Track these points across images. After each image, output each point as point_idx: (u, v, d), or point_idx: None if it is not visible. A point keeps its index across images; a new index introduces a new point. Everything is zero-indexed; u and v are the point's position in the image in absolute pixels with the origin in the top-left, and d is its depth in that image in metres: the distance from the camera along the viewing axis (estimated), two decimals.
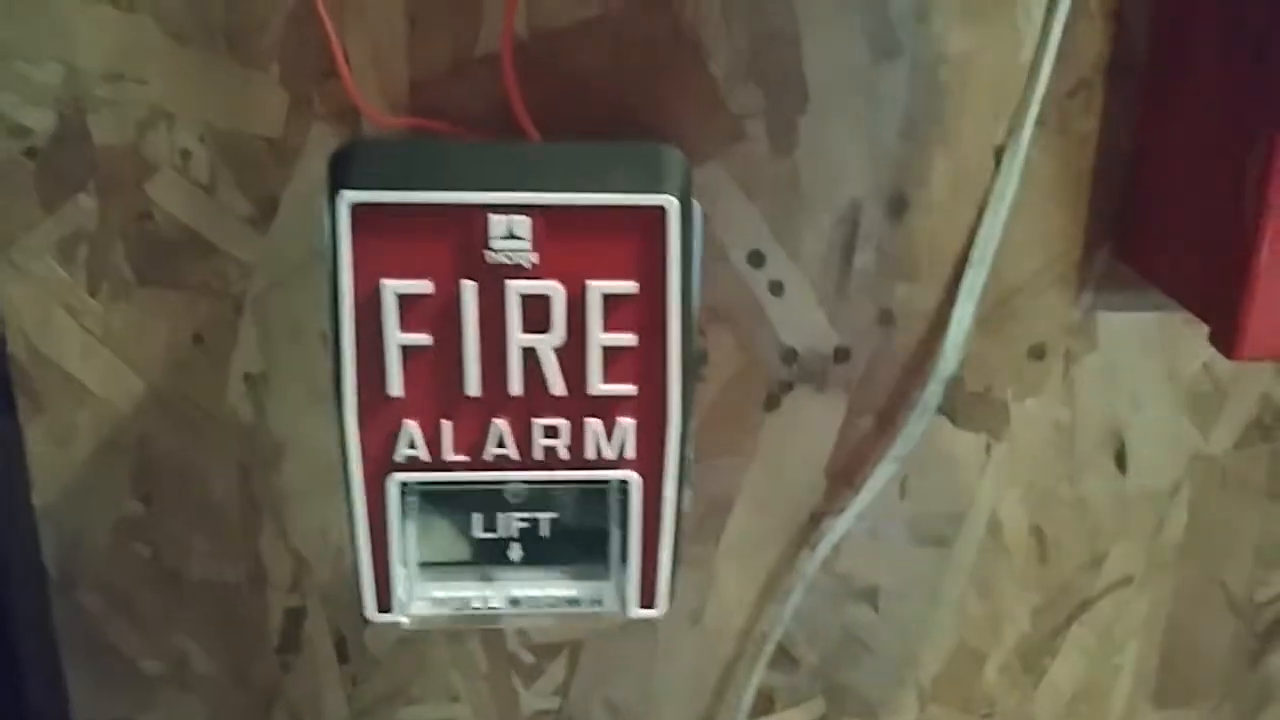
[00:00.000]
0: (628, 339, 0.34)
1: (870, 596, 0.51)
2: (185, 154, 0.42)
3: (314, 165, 0.42)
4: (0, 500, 0.46)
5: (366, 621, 0.49)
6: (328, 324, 0.33)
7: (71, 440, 0.46)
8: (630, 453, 0.35)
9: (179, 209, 0.43)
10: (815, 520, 0.49)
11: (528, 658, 0.51)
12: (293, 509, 0.47)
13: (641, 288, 0.33)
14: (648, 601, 0.36)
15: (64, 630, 0.49)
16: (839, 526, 0.48)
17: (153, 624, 0.49)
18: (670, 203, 0.33)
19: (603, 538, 0.36)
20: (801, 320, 0.46)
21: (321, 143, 0.42)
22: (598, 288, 0.33)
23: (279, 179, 0.42)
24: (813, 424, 0.48)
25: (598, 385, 0.34)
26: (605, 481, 0.35)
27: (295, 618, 0.50)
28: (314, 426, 0.46)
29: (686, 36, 0.42)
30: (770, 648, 0.50)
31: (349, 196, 0.32)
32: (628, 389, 0.34)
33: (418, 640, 0.50)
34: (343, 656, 0.50)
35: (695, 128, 0.43)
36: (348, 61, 0.41)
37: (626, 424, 0.34)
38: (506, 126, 0.41)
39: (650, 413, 0.34)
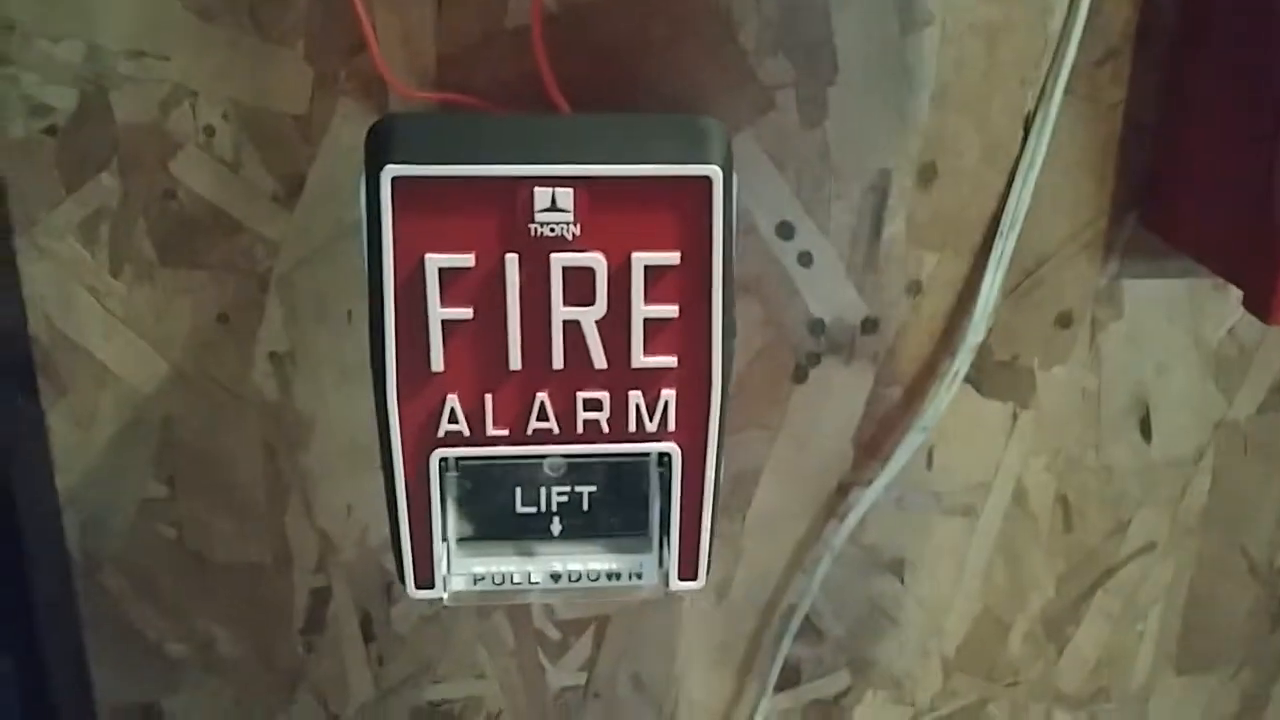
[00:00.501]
0: (670, 310, 0.34)
1: (896, 568, 0.51)
2: (209, 131, 0.41)
3: (340, 141, 0.42)
4: (23, 483, 0.45)
5: (392, 601, 0.49)
6: (368, 300, 0.33)
7: (94, 422, 0.45)
8: (672, 425, 0.34)
9: (203, 187, 0.42)
10: (842, 492, 0.49)
11: (554, 634, 0.51)
12: (318, 488, 0.47)
13: (684, 259, 0.33)
14: (689, 573, 0.36)
15: (88, 614, 0.48)
16: (866, 498, 0.48)
17: (177, 606, 0.49)
18: (715, 173, 0.33)
19: (643, 510, 0.36)
20: (830, 291, 0.46)
21: (348, 119, 0.41)
22: (641, 259, 0.33)
23: (305, 156, 0.42)
24: (840, 395, 0.48)
25: (640, 357, 0.34)
26: (646, 454, 0.35)
27: (320, 598, 0.49)
28: (340, 405, 0.45)
29: (716, 8, 0.41)
30: (798, 621, 0.50)
31: (391, 170, 0.31)
32: (669, 361, 0.34)
33: (443, 618, 0.50)
34: (368, 636, 0.50)
35: (724, 99, 0.43)
36: (375, 35, 0.40)
37: (668, 396, 0.34)
38: (536, 99, 0.40)
39: (692, 384, 0.34)
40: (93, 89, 0.41)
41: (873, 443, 0.48)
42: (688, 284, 0.33)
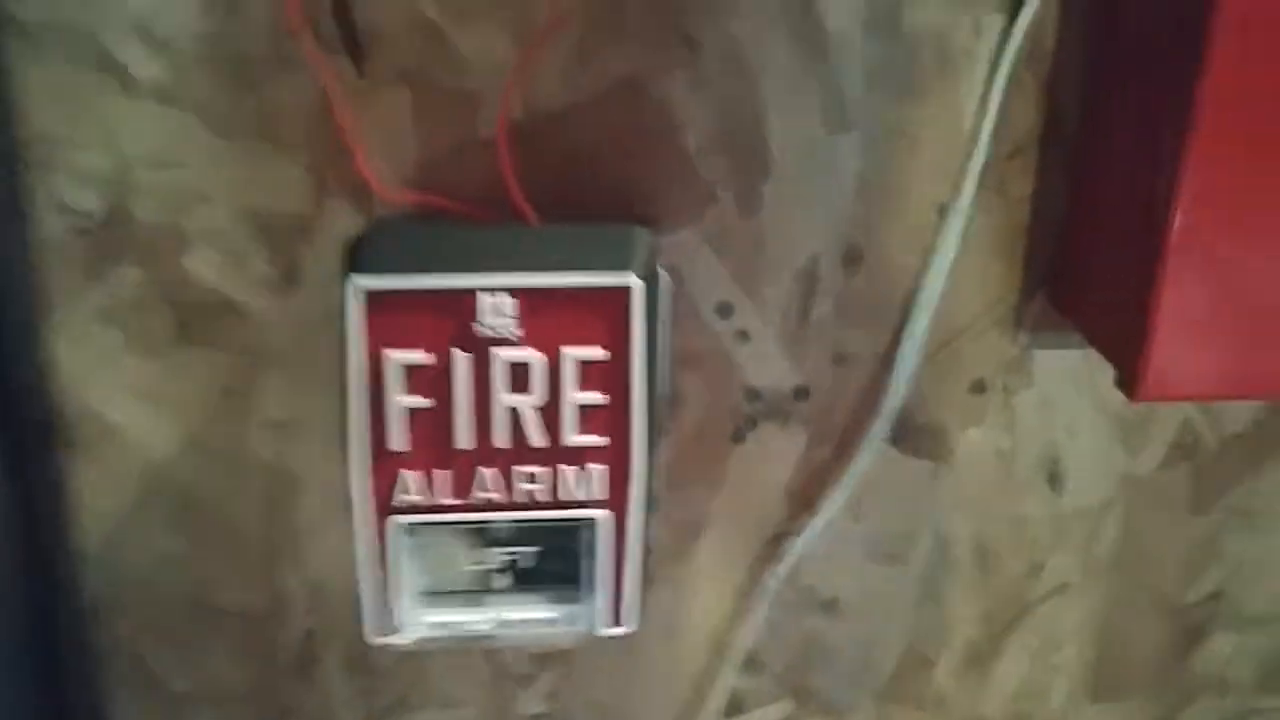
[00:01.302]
0: (598, 397, 0.39)
1: (830, 608, 0.56)
2: (219, 230, 0.48)
3: (334, 237, 0.47)
4: (49, 538, 0.51)
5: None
6: (341, 388, 0.39)
7: (112, 484, 0.51)
8: (600, 494, 0.40)
9: (212, 277, 0.48)
10: (779, 540, 0.55)
11: (522, 667, 0.56)
12: (309, 542, 0.53)
13: (610, 354, 0.39)
14: (616, 621, 0.42)
15: (105, 653, 0.54)
16: (800, 546, 0.54)
17: (184, 646, 0.54)
18: (635, 282, 0.38)
19: (577, 566, 0.42)
20: (765, 363, 0.52)
21: (341, 218, 0.47)
22: (572, 355, 0.39)
23: (302, 251, 0.48)
24: (776, 455, 0.53)
25: (572, 437, 0.40)
26: (579, 519, 0.41)
27: (311, 638, 0.55)
28: (329, 468, 0.51)
29: (662, 116, 0.47)
30: (739, 655, 0.56)
31: (359, 281, 0.37)
32: (598, 440, 0.40)
33: (421, 654, 0.56)
34: (354, 670, 0.56)
35: (671, 194, 0.48)
36: (361, 147, 0.46)
37: (596, 470, 0.40)
38: (505, 200, 0.46)
39: (617, 460, 0.40)
40: (116, 193, 0.47)
41: (805, 496, 0.54)
42: (613, 376, 0.39)
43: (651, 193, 0.49)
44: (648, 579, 0.43)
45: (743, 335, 0.51)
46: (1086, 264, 0.49)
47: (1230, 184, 0.42)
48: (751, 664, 0.57)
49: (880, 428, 0.53)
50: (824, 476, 0.54)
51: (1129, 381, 0.44)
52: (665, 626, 0.56)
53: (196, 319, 0.49)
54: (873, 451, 0.53)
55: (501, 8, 0.45)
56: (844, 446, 0.53)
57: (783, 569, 0.55)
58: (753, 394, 0.52)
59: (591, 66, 0.46)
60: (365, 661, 0.56)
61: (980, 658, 0.58)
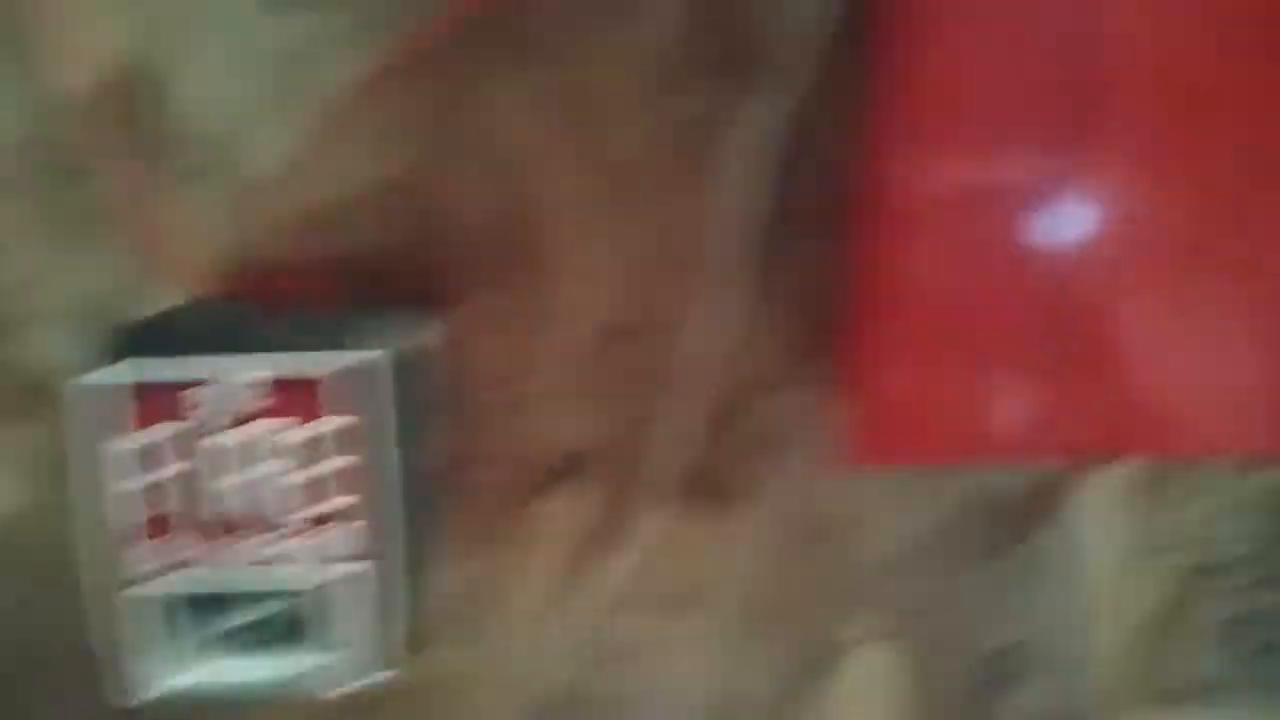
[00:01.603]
0: (355, 460, 0.44)
1: (631, 658, 0.60)
2: (55, 313, 0.53)
3: None
4: None
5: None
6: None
7: None
8: (361, 550, 0.45)
9: (50, 355, 0.54)
10: (577, 591, 0.59)
11: (334, 714, 0.60)
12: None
13: (363, 423, 0.44)
14: (377, 670, 0.46)
15: None
16: (599, 595, 0.58)
17: (40, 687, 0.59)
18: (381, 359, 0.43)
19: (344, 620, 0.46)
20: (559, 425, 0.56)
21: (160, 301, 0.52)
22: (328, 423, 0.43)
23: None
24: (572, 513, 0.57)
25: (331, 499, 0.44)
26: (337, 576, 0.45)
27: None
28: None
29: (439, 201, 0.52)
30: (541, 700, 0.60)
31: (117, 367, 0.43)
32: (356, 500, 0.44)
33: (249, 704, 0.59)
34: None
35: (455, 273, 0.53)
36: (175, 235, 0.51)
37: (356, 528, 0.44)
38: (297, 287, 0.51)
39: (376, 517, 0.45)
40: None
41: (603, 551, 0.58)
42: (368, 442, 0.44)
43: (437, 275, 0.54)
44: (428, 631, 0.48)
45: (535, 399, 0.56)
46: (847, 329, 0.54)
47: (920, 260, 0.46)
48: (567, 707, 0.61)
49: (669, 486, 0.57)
50: (621, 531, 0.58)
51: (848, 449, 0.48)
52: (472, 674, 0.60)
53: (37, 393, 0.54)
54: (662, 508, 0.57)
55: (289, 108, 0.51)
56: (637, 502, 0.57)
57: (583, 619, 0.58)
58: (549, 454, 0.56)
59: (371, 162, 0.52)
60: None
61: (792, 703, 0.62)
